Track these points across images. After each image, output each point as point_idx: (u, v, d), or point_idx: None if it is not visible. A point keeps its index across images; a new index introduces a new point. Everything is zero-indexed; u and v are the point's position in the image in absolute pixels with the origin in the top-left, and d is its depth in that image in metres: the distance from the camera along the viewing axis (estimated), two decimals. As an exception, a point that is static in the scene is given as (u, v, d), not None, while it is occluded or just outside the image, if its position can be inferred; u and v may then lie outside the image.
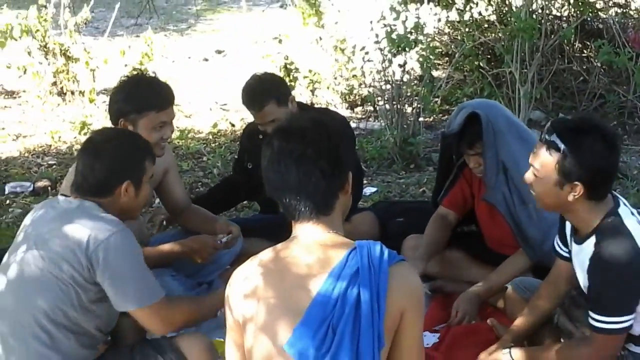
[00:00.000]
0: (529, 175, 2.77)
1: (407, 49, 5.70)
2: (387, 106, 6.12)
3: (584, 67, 6.79)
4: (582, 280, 2.82)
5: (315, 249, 2.28)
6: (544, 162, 2.69)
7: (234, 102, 6.83)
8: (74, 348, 2.79)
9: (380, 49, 5.85)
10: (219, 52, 9.82)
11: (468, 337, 3.36)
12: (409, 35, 5.69)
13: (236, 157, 4.65)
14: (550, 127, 2.69)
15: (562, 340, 3.04)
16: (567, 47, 6.86)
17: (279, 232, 3.88)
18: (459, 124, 3.47)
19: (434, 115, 6.73)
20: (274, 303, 2.27)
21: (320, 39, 7.02)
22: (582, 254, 2.77)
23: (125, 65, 6.66)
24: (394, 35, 5.68)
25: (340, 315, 2.18)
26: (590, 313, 2.71)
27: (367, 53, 6.31)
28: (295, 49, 7.24)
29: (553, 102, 6.67)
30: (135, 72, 3.75)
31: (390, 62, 5.89)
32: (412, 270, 2.32)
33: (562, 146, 2.62)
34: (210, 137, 6.65)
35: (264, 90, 3.99)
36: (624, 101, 6.40)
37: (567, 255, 2.97)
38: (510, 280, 3.46)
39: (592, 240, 2.70)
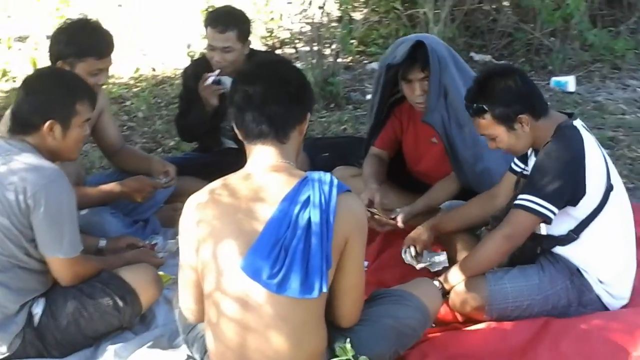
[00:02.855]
0: (490, 144, 3.08)
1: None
2: (307, 48, 6.25)
3: (494, 7, 7.02)
4: None
5: (269, 175, 2.44)
6: (485, 126, 3.02)
7: (153, 48, 6.86)
8: (23, 282, 2.89)
9: (300, -9, 5.97)
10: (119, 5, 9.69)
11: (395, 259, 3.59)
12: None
13: (180, 100, 4.60)
14: (465, 104, 3.06)
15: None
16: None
17: (212, 171, 4.05)
18: (405, 52, 3.57)
19: (351, 57, 6.89)
20: (228, 227, 2.42)
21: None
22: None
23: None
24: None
25: (292, 236, 2.34)
26: (519, 196, 2.97)
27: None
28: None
29: (464, 41, 6.89)
30: (80, 16, 3.74)
31: (310, 3, 6.00)
32: (358, 200, 2.52)
33: (483, 106, 2.97)
34: (132, 82, 6.68)
35: (234, 18, 4.12)
36: (530, 39, 6.67)
37: (520, 171, 3.22)
38: (442, 200, 3.70)
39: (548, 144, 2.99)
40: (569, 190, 2.93)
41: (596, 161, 2.96)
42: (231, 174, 2.54)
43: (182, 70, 6.67)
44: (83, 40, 3.52)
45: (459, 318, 3.13)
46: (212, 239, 2.44)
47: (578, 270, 3.06)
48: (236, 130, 2.55)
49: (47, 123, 2.90)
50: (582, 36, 6.42)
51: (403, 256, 3.41)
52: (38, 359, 2.97)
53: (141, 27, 8.03)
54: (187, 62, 6.61)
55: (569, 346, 2.86)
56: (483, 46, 6.86)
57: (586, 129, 3.05)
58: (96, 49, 3.53)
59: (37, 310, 2.94)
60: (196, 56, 6.55)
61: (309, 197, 2.37)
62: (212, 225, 2.45)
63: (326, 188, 2.39)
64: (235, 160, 3.92)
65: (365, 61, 6.84)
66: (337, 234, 2.37)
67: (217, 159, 4.24)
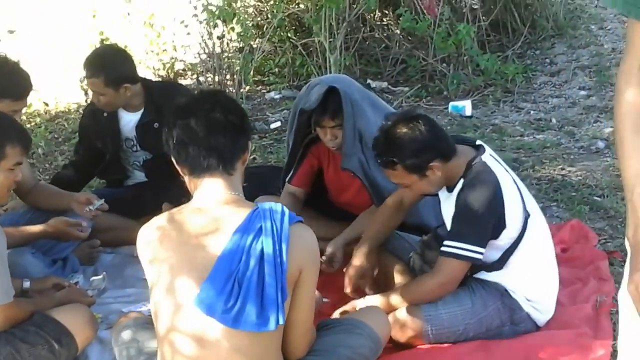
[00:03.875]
0: (404, 191, 3.15)
1: (226, 20, 5.83)
2: (209, 78, 6.22)
3: (385, 35, 7.18)
4: (447, 225, 3.12)
5: (219, 208, 2.40)
6: (397, 176, 3.08)
7: (39, 81, 6.63)
8: None
9: (200, 21, 5.93)
10: (10, 31, 9.40)
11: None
12: (227, 8, 5.81)
13: (77, 139, 4.60)
14: (375, 156, 3.12)
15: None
16: (369, 16, 7.23)
17: (131, 207, 3.99)
18: (317, 98, 3.60)
19: (248, 86, 6.88)
20: (178, 263, 2.37)
21: (129, 14, 6.96)
22: (450, 199, 3.09)
23: None
24: (212, 7, 5.79)
25: (246, 269, 2.31)
26: (444, 242, 3.02)
27: (186, 26, 6.33)
28: (108, 24, 7.12)
29: (360, 68, 7.02)
30: None
31: (210, 34, 5.99)
32: (310, 231, 2.49)
33: (392, 159, 3.01)
34: (25, 117, 6.45)
35: (101, 63, 4.02)
36: (424, 65, 6.85)
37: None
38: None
39: (460, 183, 3.05)
40: (491, 228, 3.00)
41: (512, 195, 3.04)
42: (177, 207, 2.49)
43: (76, 105, 6.65)
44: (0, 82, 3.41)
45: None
46: (165, 277, 2.39)
47: (506, 290, 3.13)
48: (177, 166, 2.50)
49: None
50: (472, 62, 6.64)
51: (348, 291, 3.36)
52: (-31, 409, 2.82)
53: (30, 60, 7.78)
54: (80, 97, 6.54)
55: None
56: (379, 73, 6.99)
57: (495, 158, 3.13)
58: (13, 91, 3.47)
59: (-32, 357, 2.79)
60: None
61: (261, 228, 2.34)
62: (164, 263, 2.40)
63: (277, 218, 2.38)
64: (154, 195, 3.92)
65: (264, 90, 6.85)
66: (291, 265, 2.35)
67: (134, 194, 4.18)
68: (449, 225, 3.11)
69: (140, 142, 4.19)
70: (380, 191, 3.68)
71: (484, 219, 2.97)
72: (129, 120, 4.19)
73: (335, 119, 3.61)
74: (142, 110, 4.15)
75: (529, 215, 3.10)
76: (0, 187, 2.93)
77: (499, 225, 3.00)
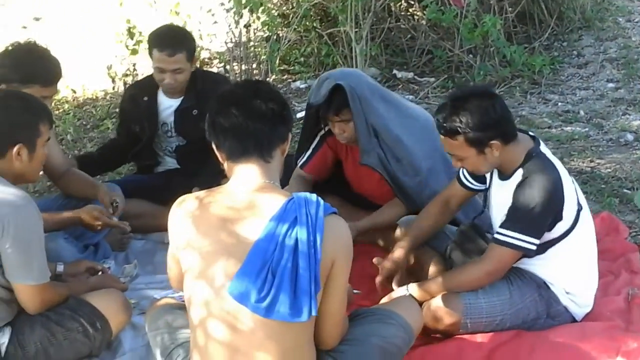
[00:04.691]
0: (455, 163, 3.07)
1: (253, 9, 5.83)
2: (236, 67, 6.22)
3: (411, 25, 7.15)
4: (496, 213, 3.10)
5: (254, 195, 2.40)
6: (455, 147, 2.99)
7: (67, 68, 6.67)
8: None
9: (227, 10, 5.93)
10: (36, 19, 9.45)
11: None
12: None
13: (118, 122, 4.65)
14: (437, 122, 3.00)
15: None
16: (395, 7, 7.21)
17: (159, 193, 4.00)
18: (324, 94, 3.62)
19: (275, 75, 6.89)
20: (213, 250, 2.38)
21: (155, 2, 6.97)
22: (505, 187, 3.05)
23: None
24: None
25: (279, 259, 2.31)
26: (498, 229, 2.99)
27: (213, 15, 6.35)
28: (134, 12, 7.14)
29: (386, 59, 7.00)
30: (27, 41, 3.64)
31: (237, 22, 5.99)
32: (344, 223, 2.47)
33: (457, 128, 2.93)
34: (53, 104, 6.47)
35: (181, 38, 4.09)
36: (451, 56, 6.82)
37: (473, 187, 3.27)
38: (388, 221, 3.74)
39: (520, 172, 3.00)
40: (550, 221, 2.97)
41: (568, 186, 3.01)
42: (211, 191, 2.49)
43: (103, 92, 6.68)
44: (29, 67, 3.46)
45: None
46: (199, 264, 2.40)
47: (544, 283, 3.11)
48: (216, 152, 2.51)
49: (15, 148, 2.83)
50: (499, 53, 6.61)
51: (378, 280, 3.35)
52: (4, 391, 2.85)
53: (57, 48, 7.83)
54: (108, 84, 6.57)
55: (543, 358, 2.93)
56: (405, 64, 6.97)
57: (548, 151, 3.10)
58: (42, 76, 3.47)
59: (3, 339, 2.82)
60: (117, 77, 6.48)
61: (296, 218, 2.34)
62: (198, 249, 2.40)
63: (313, 209, 2.37)
64: (184, 182, 3.92)
65: (289, 80, 6.85)
66: (325, 257, 2.34)
67: (165, 181, 4.19)
68: (499, 212, 3.08)
69: (177, 127, 4.21)
70: (402, 185, 3.70)
71: (544, 213, 2.93)
72: (168, 105, 4.22)
73: (339, 114, 3.64)
74: (182, 97, 4.17)
75: (581, 208, 3.07)
76: (39, 164, 2.95)
77: (556, 218, 2.97)
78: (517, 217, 2.96)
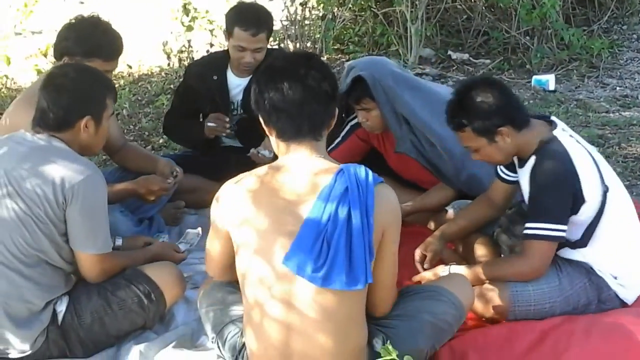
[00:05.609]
0: (473, 155, 3.10)
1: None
2: (290, 45, 6.23)
3: (468, 6, 7.08)
4: (526, 200, 3.09)
5: (305, 172, 2.42)
6: (467, 139, 3.04)
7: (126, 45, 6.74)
8: (49, 279, 2.83)
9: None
10: (81, 2, 9.55)
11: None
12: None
13: (176, 96, 4.51)
14: (447, 117, 3.06)
15: (502, 256, 3.32)
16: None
17: (215, 170, 4.02)
18: (347, 84, 3.65)
19: (329, 54, 6.88)
20: (267, 226, 2.40)
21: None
22: (523, 174, 3.06)
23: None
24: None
25: (334, 229, 2.33)
26: (526, 225, 2.98)
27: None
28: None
29: (441, 39, 6.95)
30: (91, 14, 3.66)
31: (293, 0, 5.99)
32: (392, 191, 2.50)
33: (462, 120, 2.98)
34: (110, 79, 6.56)
35: (264, 18, 4.07)
36: (507, 37, 6.75)
37: (509, 178, 3.24)
38: (436, 204, 3.75)
39: (532, 159, 3.00)
40: (571, 204, 2.95)
41: (587, 168, 2.97)
42: (268, 169, 2.50)
43: (158, 68, 6.74)
44: (92, 40, 3.46)
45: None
46: (254, 240, 2.42)
47: (592, 269, 3.08)
48: (265, 127, 2.52)
49: (84, 120, 2.88)
50: (557, 35, 6.51)
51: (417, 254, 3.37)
52: (60, 359, 2.90)
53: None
54: (163, 60, 6.63)
55: (598, 341, 2.89)
56: (460, 45, 6.92)
57: (568, 132, 3.06)
58: (105, 51, 3.48)
59: (61, 308, 2.87)
60: (173, 53, 6.53)
61: (346, 189, 2.35)
62: (253, 226, 2.42)
63: (362, 178, 2.39)
64: (240, 159, 3.94)
65: (343, 59, 6.83)
66: (376, 225, 2.37)
67: (220, 158, 4.20)
68: (526, 199, 3.07)
69: (245, 106, 4.17)
70: (439, 169, 3.71)
71: (559, 195, 2.92)
72: (237, 84, 4.20)
73: (360, 102, 3.66)
74: (251, 76, 4.10)
75: (607, 189, 3.03)
76: (101, 136, 3.00)
77: (578, 200, 2.94)
78: (537, 207, 2.97)
